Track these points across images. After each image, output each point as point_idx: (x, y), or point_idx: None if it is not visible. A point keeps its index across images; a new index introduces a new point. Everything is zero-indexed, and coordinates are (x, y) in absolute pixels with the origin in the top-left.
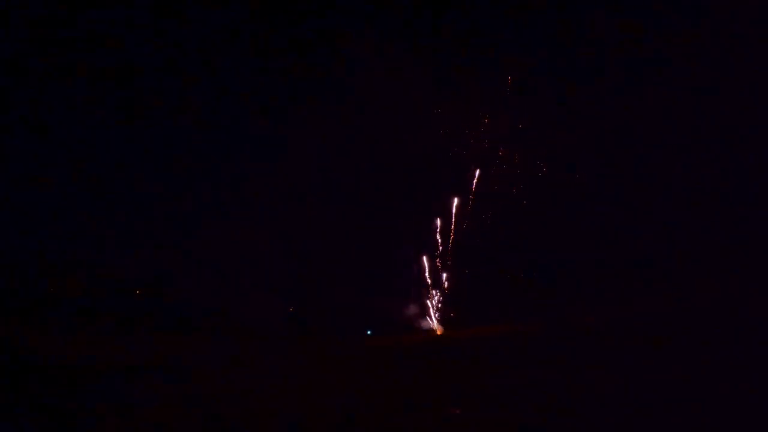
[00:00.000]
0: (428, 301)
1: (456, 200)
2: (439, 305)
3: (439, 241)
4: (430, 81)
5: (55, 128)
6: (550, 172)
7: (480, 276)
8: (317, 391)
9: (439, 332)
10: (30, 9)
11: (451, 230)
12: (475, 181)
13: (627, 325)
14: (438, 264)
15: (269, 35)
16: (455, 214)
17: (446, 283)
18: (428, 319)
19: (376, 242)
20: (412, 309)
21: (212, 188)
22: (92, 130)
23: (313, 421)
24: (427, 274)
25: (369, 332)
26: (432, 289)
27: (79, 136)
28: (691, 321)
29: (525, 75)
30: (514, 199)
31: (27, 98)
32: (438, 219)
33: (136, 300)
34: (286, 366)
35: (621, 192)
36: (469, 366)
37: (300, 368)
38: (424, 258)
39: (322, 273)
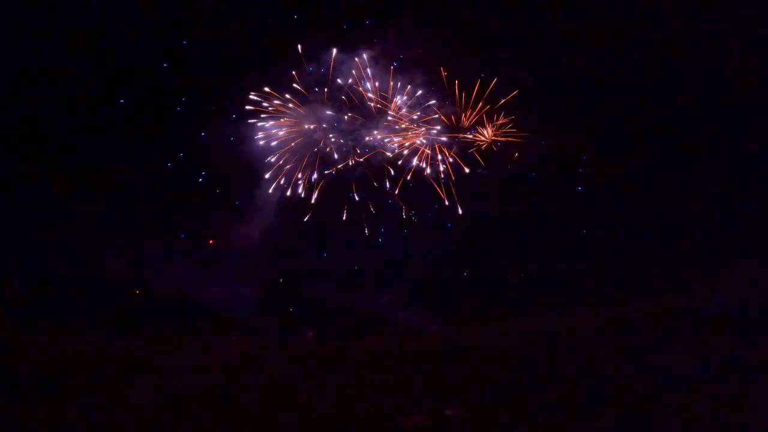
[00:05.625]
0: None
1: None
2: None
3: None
4: None
5: (51, 126)
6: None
7: (479, 273)
8: (316, 391)
9: (437, 332)
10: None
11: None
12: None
13: (628, 325)
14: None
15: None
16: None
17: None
18: (426, 317)
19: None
20: (409, 307)
21: (207, 187)
22: (88, 129)
23: (313, 422)
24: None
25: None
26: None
27: (74, 133)
28: (693, 321)
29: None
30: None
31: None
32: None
33: (136, 300)
34: (285, 367)
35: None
36: (469, 365)
37: (298, 369)
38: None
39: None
